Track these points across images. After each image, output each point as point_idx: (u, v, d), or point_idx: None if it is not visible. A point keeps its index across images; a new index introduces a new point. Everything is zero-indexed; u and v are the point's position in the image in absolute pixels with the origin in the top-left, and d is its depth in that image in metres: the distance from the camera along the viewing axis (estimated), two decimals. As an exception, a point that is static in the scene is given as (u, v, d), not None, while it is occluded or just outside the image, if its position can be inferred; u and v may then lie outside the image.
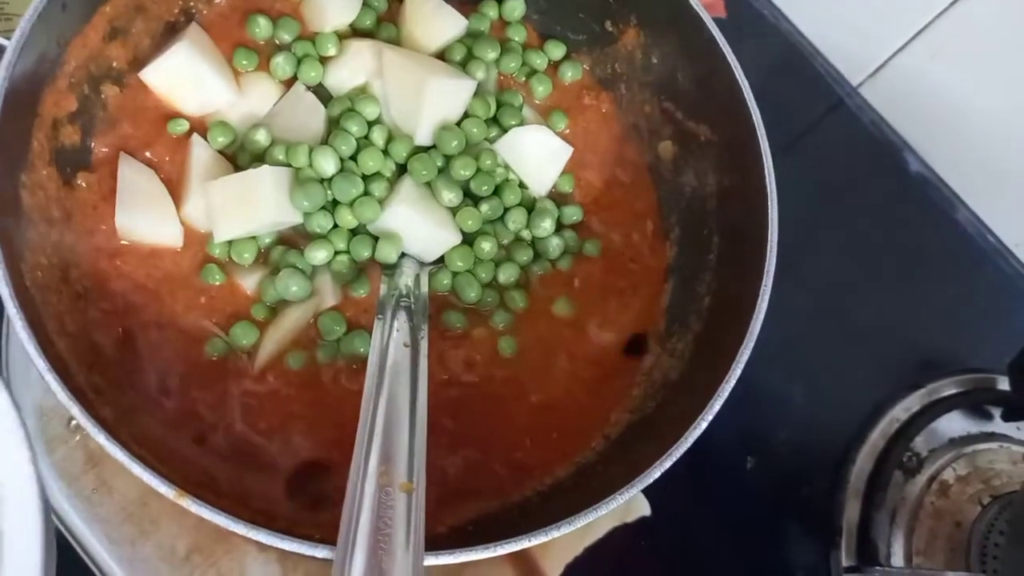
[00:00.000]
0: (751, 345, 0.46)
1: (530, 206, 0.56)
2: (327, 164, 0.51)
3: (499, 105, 0.57)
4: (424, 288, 0.51)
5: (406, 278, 0.50)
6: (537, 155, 0.56)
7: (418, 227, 0.52)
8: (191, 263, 0.51)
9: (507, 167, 0.56)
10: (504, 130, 0.56)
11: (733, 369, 0.46)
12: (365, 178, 0.52)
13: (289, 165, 0.51)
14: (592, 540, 0.60)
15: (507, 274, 0.54)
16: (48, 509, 0.36)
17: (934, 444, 0.70)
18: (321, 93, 0.55)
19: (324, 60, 0.55)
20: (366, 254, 0.52)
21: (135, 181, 0.50)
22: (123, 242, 0.50)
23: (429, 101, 0.52)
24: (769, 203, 0.50)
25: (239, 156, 0.53)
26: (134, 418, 0.45)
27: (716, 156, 0.56)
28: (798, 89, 0.83)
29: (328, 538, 0.38)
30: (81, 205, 0.49)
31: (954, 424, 0.71)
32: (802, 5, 0.84)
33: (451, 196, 0.52)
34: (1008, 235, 0.82)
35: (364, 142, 0.53)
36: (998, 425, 0.71)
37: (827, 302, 0.75)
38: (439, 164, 0.53)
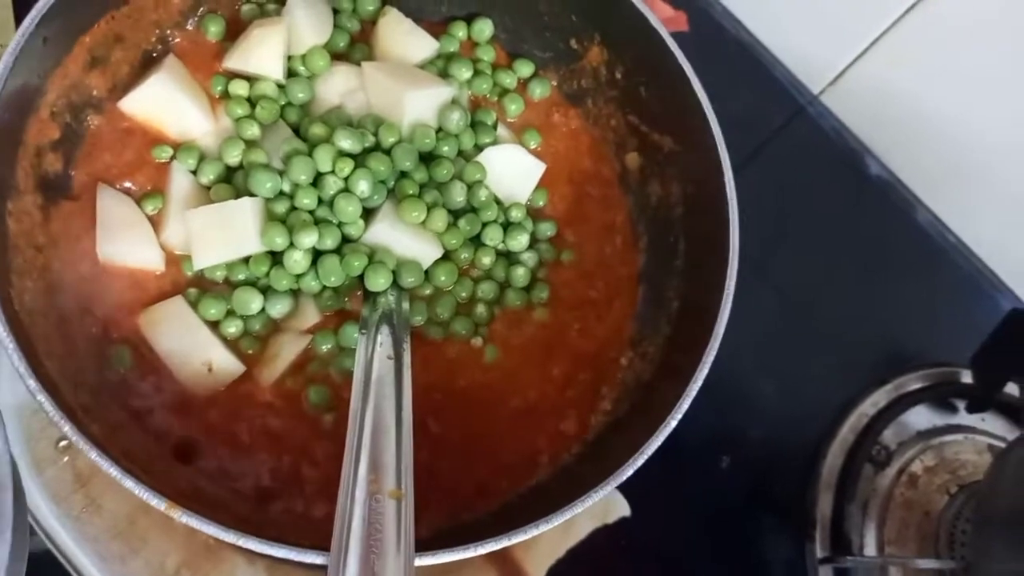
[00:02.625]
0: (716, 346, 0.48)
1: (505, 222, 0.57)
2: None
3: (473, 124, 0.58)
4: (405, 304, 0.52)
5: (388, 296, 0.52)
6: (512, 172, 0.57)
7: (401, 243, 0.52)
8: (172, 285, 0.51)
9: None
10: (479, 149, 0.57)
11: (700, 369, 0.47)
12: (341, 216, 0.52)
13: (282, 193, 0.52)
14: (574, 542, 0.61)
15: (486, 290, 0.56)
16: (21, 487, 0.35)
17: (902, 437, 0.72)
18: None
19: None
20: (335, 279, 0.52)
21: (114, 209, 0.51)
22: (106, 266, 0.50)
23: (410, 111, 0.54)
24: (730, 209, 0.52)
25: (235, 176, 0.53)
26: (121, 435, 0.46)
27: (679, 165, 0.57)
28: (761, 98, 0.85)
29: (315, 544, 0.40)
30: (65, 231, 0.50)
31: (921, 417, 0.73)
32: (762, 16, 0.86)
33: (440, 221, 0.53)
34: (967, 233, 0.84)
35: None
36: (963, 417, 0.74)
37: (795, 303, 0.77)
38: (422, 179, 0.54)
